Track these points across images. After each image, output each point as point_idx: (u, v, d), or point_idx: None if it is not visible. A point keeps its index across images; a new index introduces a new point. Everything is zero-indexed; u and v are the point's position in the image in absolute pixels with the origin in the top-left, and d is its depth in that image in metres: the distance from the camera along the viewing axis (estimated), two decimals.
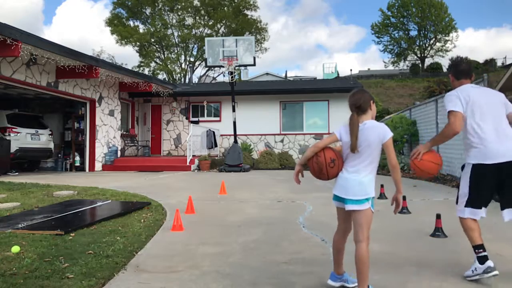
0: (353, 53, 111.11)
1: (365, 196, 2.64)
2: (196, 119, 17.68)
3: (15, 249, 3.76)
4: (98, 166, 14.27)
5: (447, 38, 63.11)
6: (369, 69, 67.45)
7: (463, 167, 3.26)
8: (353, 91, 2.91)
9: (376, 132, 2.68)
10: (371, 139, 2.68)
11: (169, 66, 39.52)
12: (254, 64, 13.78)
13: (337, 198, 2.79)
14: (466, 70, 3.42)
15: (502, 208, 3.14)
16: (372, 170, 2.72)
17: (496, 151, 3.05)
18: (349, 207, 2.68)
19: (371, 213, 2.69)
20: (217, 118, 17.72)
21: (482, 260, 3.04)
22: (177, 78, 39.82)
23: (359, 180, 2.66)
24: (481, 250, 3.07)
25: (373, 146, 2.68)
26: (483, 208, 3.13)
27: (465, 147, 3.26)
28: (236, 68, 14.15)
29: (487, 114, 3.14)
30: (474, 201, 3.12)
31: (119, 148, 15.74)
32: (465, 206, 3.15)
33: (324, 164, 2.77)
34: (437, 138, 3.29)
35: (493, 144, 3.06)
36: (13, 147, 12.01)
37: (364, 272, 2.67)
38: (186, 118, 17.86)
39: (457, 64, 3.49)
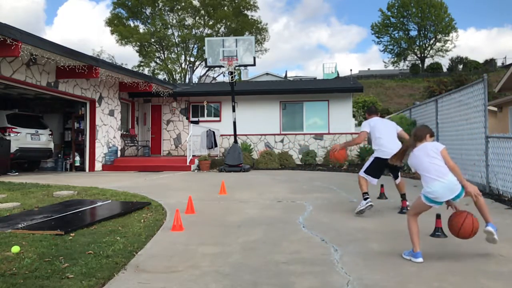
0: (354, 53, 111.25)
1: (460, 188, 3.58)
2: (196, 119, 17.67)
3: (15, 249, 3.76)
4: (98, 166, 14.27)
5: (447, 38, 63.15)
6: (369, 69, 67.47)
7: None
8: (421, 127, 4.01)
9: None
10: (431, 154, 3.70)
11: (169, 66, 39.53)
12: (254, 64, 13.77)
13: (434, 201, 3.63)
14: (374, 110, 6.32)
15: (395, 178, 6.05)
16: (447, 168, 3.62)
17: (387, 150, 5.57)
18: (457, 200, 3.65)
19: None
20: (217, 118, 17.71)
21: (365, 199, 5.56)
22: (177, 78, 39.83)
23: (453, 181, 3.56)
24: (367, 195, 5.61)
25: (436, 159, 3.66)
26: (375, 178, 5.80)
27: (374, 148, 5.95)
28: (236, 68, 14.15)
29: (383, 132, 5.87)
30: (369, 172, 5.81)
31: (119, 148, 15.74)
32: (365, 171, 5.83)
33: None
34: (350, 142, 6.50)
35: (386, 147, 5.66)
36: (13, 147, 12.00)
37: (487, 210, 3.67)
38: (186, 118, 17.86)
39: (369, 108, 6.45)
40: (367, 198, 5.58)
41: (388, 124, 6.09)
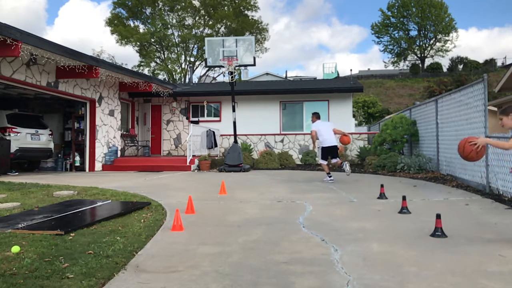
0: (354, 53, 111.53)
1: None
2: (196, 119, 17.68)
3: (15, 249, 3.76)
4: (98, 166, 14.27)
5: (447, 38, 63.22)
6: (369, 69, 67.57)
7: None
8: None
9: None
10: None
11: (169, 66, 39.54)
12: (254, 64, 13.77)
13: None
14: (318, 116, 10.26)
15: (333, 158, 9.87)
16: None
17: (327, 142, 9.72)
18: None
19: None
20: (217, 118, 17.72)
21: (330, 177, 9.60)
22: (177, 78, 39.84)
23: None
24: (330, 174, 9.69)
25: None
26: (326, 160, 9.84)
27: (319, 141, 9.85)
28: (236, 68, 14.14)
29: (324, 130, 9.77)
30: (324, 158, 9.86)
31: (119, 148, 15.74)
32: (322, 158, 9.92)
33: None
34: (312, 138, 10.18)
35: (326, 140, 9.69)
36: (13, 147, 12.01)
37: None
38: (186, 118, 17.86)
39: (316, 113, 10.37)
40: (331, 176, 9.64)
41: (327, 124, 10.10)
